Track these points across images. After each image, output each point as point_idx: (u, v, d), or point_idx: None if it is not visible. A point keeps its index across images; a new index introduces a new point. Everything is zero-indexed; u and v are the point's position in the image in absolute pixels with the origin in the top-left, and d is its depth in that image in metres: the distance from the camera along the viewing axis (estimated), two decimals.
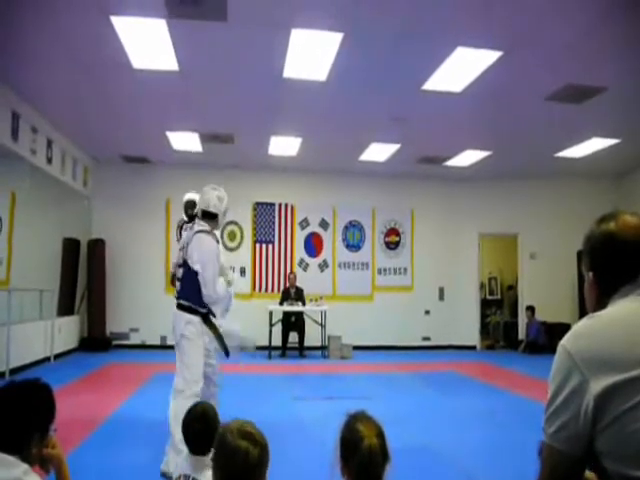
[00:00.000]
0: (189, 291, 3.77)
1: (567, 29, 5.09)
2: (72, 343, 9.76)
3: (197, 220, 3.90)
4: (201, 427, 2.22)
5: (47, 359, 8.47)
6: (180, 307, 3.80)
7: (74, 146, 9.37)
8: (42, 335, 8.43)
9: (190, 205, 4.45)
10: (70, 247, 10.01)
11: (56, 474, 1.89)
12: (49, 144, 8.26)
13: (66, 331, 9.41)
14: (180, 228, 4.58)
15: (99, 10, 4.84)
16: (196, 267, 3.72)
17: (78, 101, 7.31)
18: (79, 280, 10.29)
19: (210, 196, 3.85)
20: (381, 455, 1.63)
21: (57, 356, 8.77)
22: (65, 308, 9.73)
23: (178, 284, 3.89)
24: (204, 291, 3.72)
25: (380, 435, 1.66)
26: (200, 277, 3.71)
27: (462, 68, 5.97)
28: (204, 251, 3.73)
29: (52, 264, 9.64)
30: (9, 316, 7.35)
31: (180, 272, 3.87)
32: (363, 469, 1.60)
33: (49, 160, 8.30)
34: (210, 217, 3.85)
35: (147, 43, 5.49)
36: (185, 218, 4.51)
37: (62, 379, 6.89)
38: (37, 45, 5.60)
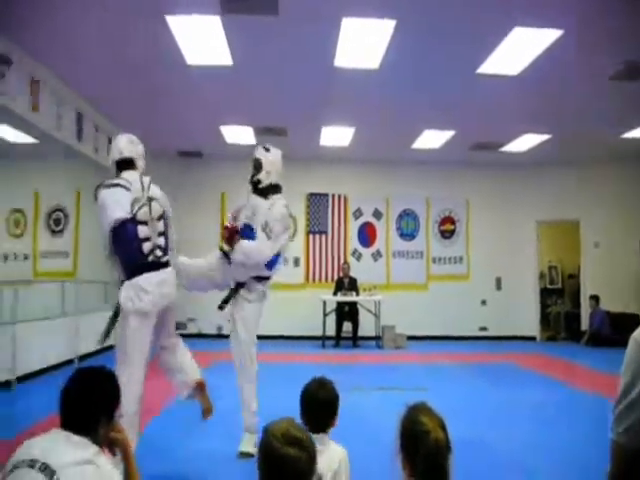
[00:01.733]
0: None
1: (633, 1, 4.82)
2: None
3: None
4: (322, 400, 2.19)
5: (112, 347, 8.81)
6: None
7: None
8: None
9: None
10: None
11: (122, 456, 1.98)
12: (110, 142, 8.54)
13: None
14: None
15: (155, 11, 4.99)
16: None
17: (135, 99, 7.54)
18: None
19: (119, 142, 3.57)
20: (446, 448, 1.60)
21: None
22: None
23: (161, 239, 3.51)
24: None
25: (443, 427, 1.64)
26: None
27: (519, 50, 5.76)
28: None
29: None
30: (77, 307, 7.72)
31: (162, 225, 3.52)
32: (430, 463, 1.58)
33: None
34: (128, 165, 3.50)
35: (201, 40, 5.60)
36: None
37: None
38: (96, 48, 5.82)
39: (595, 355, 9.10)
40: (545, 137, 9.17)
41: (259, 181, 4.08)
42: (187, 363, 3.72)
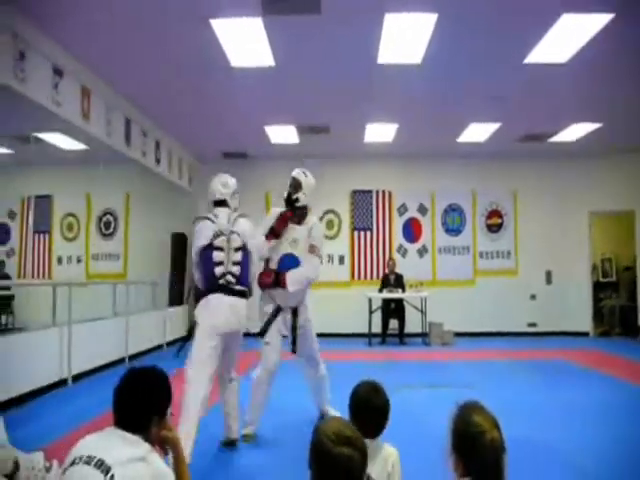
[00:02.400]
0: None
1: None
2: (182, 331, 10.34)
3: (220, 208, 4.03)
4: (377, 406, 2.13)
5: (160, 346, 9.05)
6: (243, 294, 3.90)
7: (179, 146, 9.88)
8: (155, 324, 9.02)
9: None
10: (178, 241, 10.59)
11: (173, 454, 2.02)
12: (157, 145, 8.77)
13: (176, 320, 9.98)
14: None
15: (199, 15, 5.08)
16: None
17: (181, 102, 7.69)
18: (187, 272, 10.87)
19: (213, 185, 4.07)
20: (501, 448, 1.57)
21: (169, 344, 9.34)
22: (175, 299, 10.32)
23: (236, 268, 3.83)
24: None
25: (498, 427, 1.61)
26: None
27: (568, 36, 5.57)
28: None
29: (163, 258, 10.28)
30: (128, 307, 7.95)
31: (239, 256, 3.88)
32: (487, 464, 1.55)
33: (158, 161, 8.82)
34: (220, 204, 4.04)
35: (244, 41, 5.65)
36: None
37: (174, 365, 7.32)
38: (143, 53, 5.97)
39: None
40: (596, 126, 8.85)
41: (297, 199, 4.39)
42: (231, 415, 4.14)
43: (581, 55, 5.98)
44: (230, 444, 4.15)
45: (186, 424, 3.50)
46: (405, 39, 5.64)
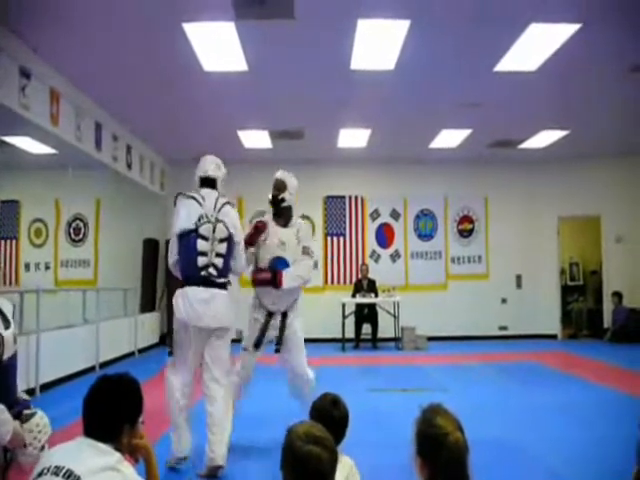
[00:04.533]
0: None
1: None
2: (154, 338, 10.21)
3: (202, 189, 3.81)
4: (337, 418, 2.17)
5: (132, 354, 8.91)
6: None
7: (151, 150, 9.77)
8: (127, 331, 8.88)
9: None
10: (150, 247, 10.46)
11: (145, 463, 1.98)
12: (128, 150, 8.65)
13: (148, 327, 9.85)
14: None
15: (172, 19, 5.03)
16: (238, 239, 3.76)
17: (153, 106, 7.61)
18: (159, 278, 10.74)
19: (205, 162, 3.92)
20: (465, 449, 1.58)
21: (141, 351, 9.20)
22: (147, 305, 10.19)
23: (220, 260, 3.63)
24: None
25: (461, 428, 1.61)
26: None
27: (537, 45, 5.71)
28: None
29: (134, 264, 10.13)
30: (98, 314, 7.81)
31: (224, 248, 3.66)
32: (452, 465, 1.56)
33: (129, 166, 8.70)
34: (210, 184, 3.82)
35: (217, 46, 5.63)
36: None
37: (147, 372, 7.22)
38: (114, 57, 5.89)
39: (619, 352, 8.95)
40: (564, 133, 9.06)
41: (283, 199, 4.21)
42: (215, 434, 3.55)
43: (549, 63, 6.11)
44: (209, 475, 3.50)
45: (168, 413, 3.60)
46: (378, 45, 5.69)
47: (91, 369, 7.32)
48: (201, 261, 3.56)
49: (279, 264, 4.15)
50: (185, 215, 3.61)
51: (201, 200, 3.65)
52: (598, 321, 11.17)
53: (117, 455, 1.75)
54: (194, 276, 3.57)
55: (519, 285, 11.21)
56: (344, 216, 11.15)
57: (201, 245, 3.56)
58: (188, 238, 3.58)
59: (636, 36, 5.55)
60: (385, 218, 11.21)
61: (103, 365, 7.62)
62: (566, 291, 12.12)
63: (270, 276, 4.10)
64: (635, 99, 7.45)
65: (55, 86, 6.16)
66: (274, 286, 4.06)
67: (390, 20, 5.16)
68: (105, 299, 8.31)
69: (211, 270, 3.58)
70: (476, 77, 6.65)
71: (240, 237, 3.80)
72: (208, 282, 3.58)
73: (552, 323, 11.09)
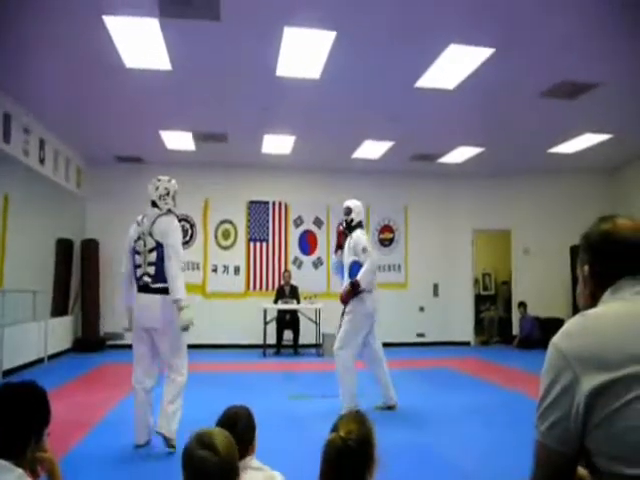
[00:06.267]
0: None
1: (561, 25, 5.09)
2: (66, 344, 9.72)
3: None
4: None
5: (41, 360, 8.44)
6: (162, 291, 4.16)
7: (67, 147, 9.32)
8: (36, 336, 8.38)
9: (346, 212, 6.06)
10: (63, 248, 9.97)
11: (49, 477, 1.86)
12: (42, 145, 8.22)
13: (60, 332, 9.37)
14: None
15: (92, 10, 4.83)
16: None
17: (70, 101, 7.28)
18: (73, 281, 10.25)
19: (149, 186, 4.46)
20: (352, 453, 1.59)
21: (51, 357, 8.74)
22: (59, 309, 9.69)
23: (152, 268, 4.18)
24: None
25: (358, 431, 1.63)
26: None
27: (455, 65, 5.97)
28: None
29: (45, 265, 9.59)
30: (2, 318, 7.33)
31: (153, 256, 4.19)
32: (327, 465, 1.61)
33: (42, 161, 8.26)
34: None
35: (139, 42, 5.46)
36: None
37: (56, 380, 6.87)
38: (28, 46, 5.58)
39: (525, 357, 9.47)
40: (479, 150, 9.52)
41: (352, 220, 5.96)
42: (164, 409, 4.15)
43: (466, 84, 6.42)
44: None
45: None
46: (304, 54, 5.74)
47: None
48: (138, 272, 4.23)
49: (356, 268, 5.65)
50: (129, 237, 4.34)
51: (140, 220, 4.32)
52: (508, 329, 11.81)
53: (18, 471, 1.63)
54: (137, 285, 4.25)
55: (436, 294, 11.63)
56: (267, 222, 11.13)
57: (137, 259, 4.24)
58: (131, 256, 4.30)
59: (545, 64, 5.96)
60: (308, 225, 11.28)
61: (8, 373, 7.15)
62: (479, 300, 12.73)
63: (352, 292, 5.67)
64: (543, 121, 7.97)
65: None
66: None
67: (317, 30, 5.23)
68: (12, 302, 7.81)
69: (146, 278, 4.18)
70: (398, 92, 6.86)
71: (173, 239, 4.16)
72: (147, 289, 4.18)
73: (466, 330, 11.58)
